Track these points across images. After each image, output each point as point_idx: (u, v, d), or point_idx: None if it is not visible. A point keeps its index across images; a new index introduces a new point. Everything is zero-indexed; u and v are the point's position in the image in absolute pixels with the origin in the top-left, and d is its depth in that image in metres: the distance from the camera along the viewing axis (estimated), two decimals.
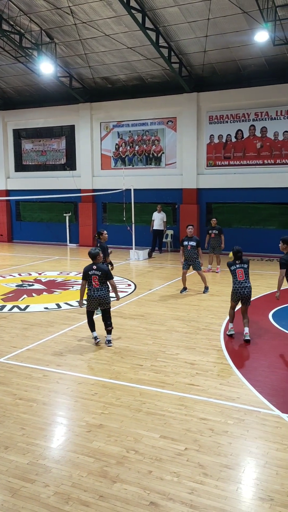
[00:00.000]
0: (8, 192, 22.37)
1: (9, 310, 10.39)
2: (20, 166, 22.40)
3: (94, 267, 8.08)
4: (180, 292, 11.76)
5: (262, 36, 13.76)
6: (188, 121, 17.97)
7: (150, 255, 17.43)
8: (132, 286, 12.60)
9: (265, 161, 17.20)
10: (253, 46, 15.09)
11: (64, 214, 20.83)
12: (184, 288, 11.87)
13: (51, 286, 12.75)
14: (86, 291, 8.20)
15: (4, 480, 4.35)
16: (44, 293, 11.97)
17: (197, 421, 5.41)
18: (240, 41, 15.04)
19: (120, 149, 19.79)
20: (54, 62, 17.06)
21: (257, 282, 12.14)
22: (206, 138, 17.96)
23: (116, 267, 15.30)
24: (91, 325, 8.22)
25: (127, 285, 12.79)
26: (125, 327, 9.05)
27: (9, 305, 10.81)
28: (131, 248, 17.38)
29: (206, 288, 11.80)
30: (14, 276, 14.15)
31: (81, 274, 8.40)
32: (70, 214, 20.94)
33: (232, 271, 8.37)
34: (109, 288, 8.22)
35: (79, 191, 20.13)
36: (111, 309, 8.29)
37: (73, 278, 13.74)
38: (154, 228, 17.99)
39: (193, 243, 11.58)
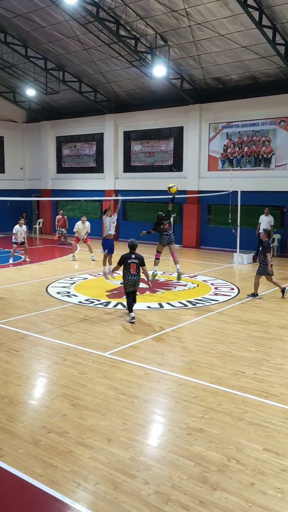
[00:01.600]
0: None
1: (113, 307, 10.71)
2: (128, 167, 23.05)
3: (133, 256, 9.42)
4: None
5: None
6: None
7: (255, 259, 16.92)
8: (235, 290, 12.33)
9: None
10: None
11: None
12: (253, 294, 11.51)
13: (154, 285, 12.89)
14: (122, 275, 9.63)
15: (107, 472, 4.46)
16: (147, 292, 12.16)
17: None
18: None
19: (229, 150, 19.49)
20: (166, 65, 17.28)
21: None
22: None
23: (219, 269, 15.14)
24: (131, 307, 9.48)
25: (230, 289, 12.54)
26: (227, 332, 8.88)
27: (113, 301, 11.15)
28: (235, 251, 17.02)
29: (282, 291, 11.48)
30: (118, 274, 14.54)
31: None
32: (174, 215, 21.06)
33: None
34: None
35: (184, 192, 20.19)
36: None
37: (175, 278, 13.79)
38: (260, 231, 17.40)
39: (261, 249, 11.55)
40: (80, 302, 11.08)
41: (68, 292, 11.99)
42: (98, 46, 18.24)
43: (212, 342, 8.29)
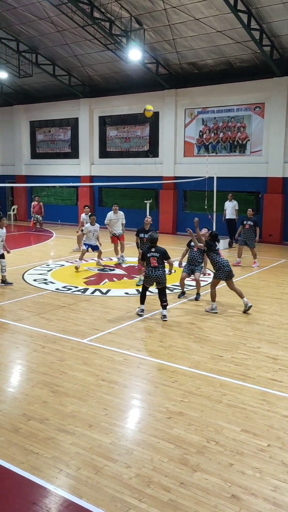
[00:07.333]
0: (92, 178, 22.93)
1: (91, 293, 10.69)
2: (104, 153, 22.84)
3: (153, 249, 8.92)
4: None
5: None
6: (278, 106, 17.26)
7: (231, 245, 17.10)
8: (211, 275, 12.42)
9: None
10: None
11: (145, 201, 20.91)
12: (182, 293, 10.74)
13: (131, 271, 12.94)
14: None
15: (89, 457, 4.50)
16: (125, 278, 12.19)
17: (280, 418, 5.25)
18: None
19: (204, 136, 19.51)
20: (142, 49, 17.08)
21: None
22: None
23: None
24: (143, 299, 9.00)
25: (206, 274, 12.63)
26: (205, 317, 8.99)
27: (91, 288, 11.13)
28: None
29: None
30: (95, 260, 14.50)
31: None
32: (151, 201, 20.88)
33: None
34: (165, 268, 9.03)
35: (160, 178, 20.16)
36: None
37: None
38: (227, 217, 17.38)
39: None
40: (57, 289, 11.02)
41: (45, 279, 11.91)
42: (72, 28, 17.88)
43: (190, 327, 8.39)
